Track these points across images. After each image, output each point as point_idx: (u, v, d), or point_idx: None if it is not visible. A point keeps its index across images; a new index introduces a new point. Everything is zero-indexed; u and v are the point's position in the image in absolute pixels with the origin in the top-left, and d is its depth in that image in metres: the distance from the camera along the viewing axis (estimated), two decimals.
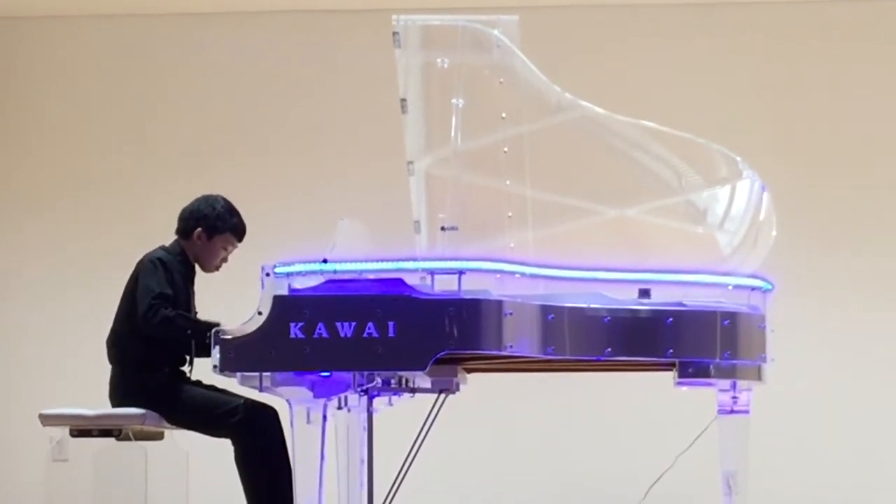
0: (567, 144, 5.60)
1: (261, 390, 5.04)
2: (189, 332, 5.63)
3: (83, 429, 5.78)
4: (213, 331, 5.03)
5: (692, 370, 5.18)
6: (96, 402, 5.88)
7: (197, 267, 6.03)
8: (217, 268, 6.03)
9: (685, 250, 5.49)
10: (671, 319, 5.13)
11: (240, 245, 6.01)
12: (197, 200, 6.01)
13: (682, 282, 5.25)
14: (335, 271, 4.99)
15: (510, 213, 5.48)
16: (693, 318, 5.17)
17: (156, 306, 5.65)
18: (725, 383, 5.32)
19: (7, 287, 8.52)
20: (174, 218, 6.02)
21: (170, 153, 8.50)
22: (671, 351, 5.14)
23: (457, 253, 5.17)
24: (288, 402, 5.05)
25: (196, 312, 6.01)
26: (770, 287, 5.36)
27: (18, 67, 8.64)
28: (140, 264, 5.88)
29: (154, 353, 5.78)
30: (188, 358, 5.85)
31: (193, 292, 6.04)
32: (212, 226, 5.93)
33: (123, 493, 6.00)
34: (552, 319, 5.01)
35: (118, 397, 5.83)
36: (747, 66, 8.32)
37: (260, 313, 4.96)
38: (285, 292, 4.97)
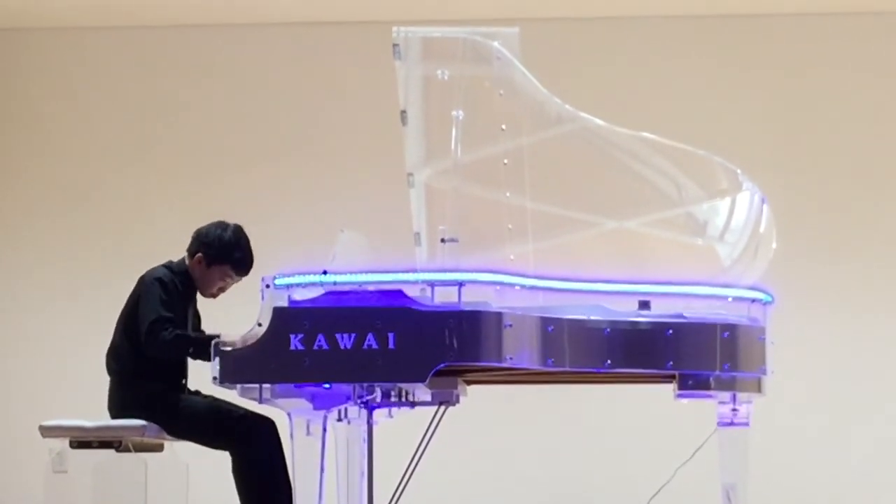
0: (567, 156, 5.60)
1: (260, 402, 5.03)
2: (191, 350, 5.65)
3: (83, 440, 5.78)
4: (213, 343, 5.01)
5: (692, 382, 5.17)
6: (96, 413, 5.88)
7: None
8: (214, 295, 5.99)
9: (685, 262, 5.48)
10: (671, 331, 5.12)
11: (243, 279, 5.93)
12: (212, 224, 5.93)
13: (681, 294, 5.24)
14: (335, 283, 4.98)
15: (510, 225, 5.47)
16: (693, 330, 5.16)
17: (154, 331, 5.64)
18: (725, 395, 5.30)
19: (8, 297, 8.51)
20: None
21: (172, 164, 8.50)
22: (671, 363, 5.13)
23: (457, 265, 5.16)
24: (288, 414, 5.04)
25: (201, 329, 6.01)
26: (770, 299, 5.36)
27: (22, 79, 8.64)
28: (140, 283, 5.86)
29: (152, 365, 5.77)
30: (185, 369, 5.86)
31: (197, 310, 6.02)
32: (213, 255, 5.88)
33: None
34: (552, 331, 5.00)
35: (116, 408, 5.83)
36: (747, 77, 8.33)
37: (260, 325, 4.95)
38: (285, 304, 4.96)
